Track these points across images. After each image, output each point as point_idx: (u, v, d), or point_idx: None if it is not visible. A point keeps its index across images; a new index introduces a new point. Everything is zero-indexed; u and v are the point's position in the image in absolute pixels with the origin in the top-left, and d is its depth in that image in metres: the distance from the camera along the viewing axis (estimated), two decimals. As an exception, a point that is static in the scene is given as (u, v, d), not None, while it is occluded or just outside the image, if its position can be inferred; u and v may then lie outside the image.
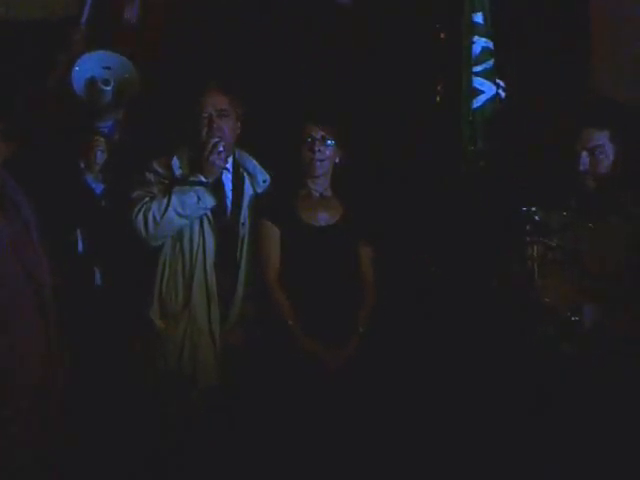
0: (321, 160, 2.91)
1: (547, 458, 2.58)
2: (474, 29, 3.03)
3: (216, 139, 2.83)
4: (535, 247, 2.55)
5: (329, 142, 2.91)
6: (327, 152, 2.91)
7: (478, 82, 3.04)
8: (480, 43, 3.03)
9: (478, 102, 3.03)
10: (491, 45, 3.05)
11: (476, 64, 3.03)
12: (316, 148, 2.89)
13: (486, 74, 3.04)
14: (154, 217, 2.79)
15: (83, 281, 3.03)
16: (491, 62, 3.05)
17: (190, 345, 2.87)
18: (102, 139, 2.99)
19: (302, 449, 2.79)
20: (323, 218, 2.96)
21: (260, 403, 2.85)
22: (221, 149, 2.83)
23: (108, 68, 3.01)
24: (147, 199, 2.83)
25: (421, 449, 2.95)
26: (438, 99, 3.14)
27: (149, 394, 2.90)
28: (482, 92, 3.04)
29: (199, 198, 2.81)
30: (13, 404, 2.34)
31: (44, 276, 2.49)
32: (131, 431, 2.90)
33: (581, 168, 2.55)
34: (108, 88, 2.99)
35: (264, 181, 3.00)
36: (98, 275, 3.07)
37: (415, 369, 2.99)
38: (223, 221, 2.93)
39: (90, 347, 2.86)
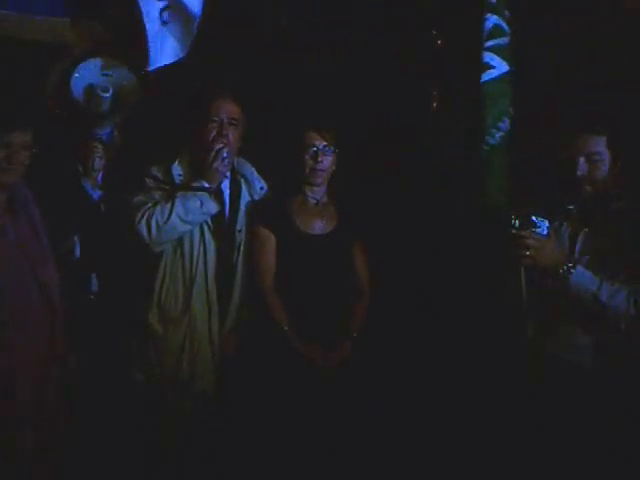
0: (322, 170, 2.91)
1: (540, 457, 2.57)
2: (487, 6, 2.99)
3: (221, 145, 2.83)
4: None
5: (330, 151, 2.91)
6: (326, 162, 2.92)
7: (488, 57, 3.00)
8: (492, 20, 2.99)
9: (488, 76, 2.99)
10: (504, 25, 3.01)
11: (488, 39, 2.99)
12: (319, 158, 2.89)
13: (497, 50, 3.00)
14: (157, 223, 2.77)
15: (80, 287, 3.03)
16: (503, 40, 3.01)
17: (189, 351, 2.86)
18: (100, 146, 3.00)
19: (297, 453, 2.79)
20: (319, 226, 2.96)
21: (255, 408, 2.84)
22: (225, 155, 2.82)
23: (107, 75, 3.02)
24: (149, 205, 2.81)
25: (419, 450, 2.97)
26: (435, 105, 3.15)
27: (146, 400, 2.88)
28: (493, 67, 3.00)
29: (202, 203, 2.79)
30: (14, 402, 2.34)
31: (51, 275, 2.49)
32: (127, 434, 2.90)
33: (578, 174, 2.56)
34: (107, 95, 3.01)
35: (261, 188, 3.00)
36: (95, 281, 3.07)
37: (408, 372, 3.01)
38: (221, 227, 2.92)
39: (87, 351, 2.87)
